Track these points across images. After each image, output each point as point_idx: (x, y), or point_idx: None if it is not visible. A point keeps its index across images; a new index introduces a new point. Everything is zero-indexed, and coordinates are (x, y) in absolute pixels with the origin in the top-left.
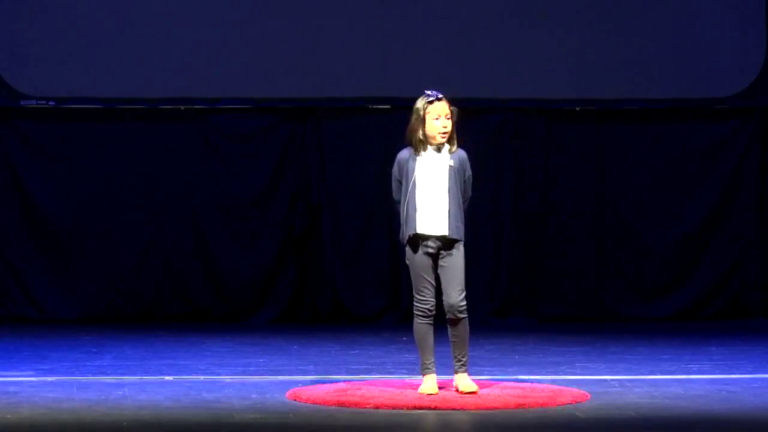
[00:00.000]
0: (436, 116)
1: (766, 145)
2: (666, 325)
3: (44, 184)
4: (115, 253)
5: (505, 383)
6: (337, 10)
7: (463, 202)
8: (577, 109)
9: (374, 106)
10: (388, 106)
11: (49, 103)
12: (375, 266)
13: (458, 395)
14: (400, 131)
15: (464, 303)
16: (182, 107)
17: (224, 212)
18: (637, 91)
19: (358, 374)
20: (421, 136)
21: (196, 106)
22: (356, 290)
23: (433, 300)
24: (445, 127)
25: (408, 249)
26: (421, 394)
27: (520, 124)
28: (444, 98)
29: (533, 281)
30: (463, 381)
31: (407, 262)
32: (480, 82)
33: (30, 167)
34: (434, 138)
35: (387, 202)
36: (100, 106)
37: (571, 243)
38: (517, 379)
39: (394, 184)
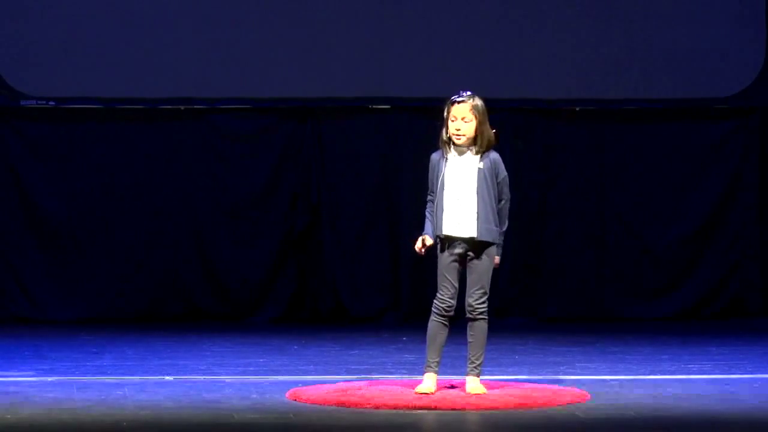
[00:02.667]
0: (453, 118)
1: (766, 145)
2: (666, 325)
3: (44, 184)
4: (115, 253)
5: (505, 383)
6: (337, 10)
7: (504, 203)
8: (577, 109)
9: (374, 106)
10: (388, 106)
11: (49, 103)
12: (375, 266)
13: (458, 395)
14: (400, 131)
15: (483, 305)
16: (182, 107)
17: (224, 212)
18: (637, 91)
19: (358, 374)
20: (444, 137)
21: (196, 106)
22: (356, 290)
23: (452, 301)
24: (459, 130)
25: (438, 247)
26: (417, 393)
27: (520, 124)
28: (467, 101)
29: (533, 281)
30: (471, 384)
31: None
32: (480, 82)
33: (30, 167)
34: (451, 139)
35: (387, 202)
36: (100, 106)
37: (571, 243)
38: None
39: (429, 185)
